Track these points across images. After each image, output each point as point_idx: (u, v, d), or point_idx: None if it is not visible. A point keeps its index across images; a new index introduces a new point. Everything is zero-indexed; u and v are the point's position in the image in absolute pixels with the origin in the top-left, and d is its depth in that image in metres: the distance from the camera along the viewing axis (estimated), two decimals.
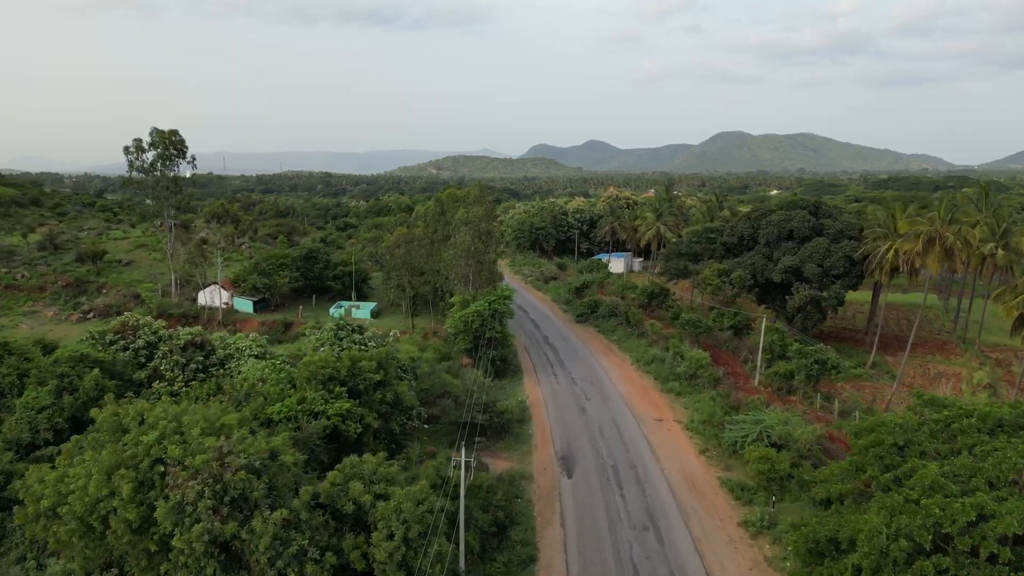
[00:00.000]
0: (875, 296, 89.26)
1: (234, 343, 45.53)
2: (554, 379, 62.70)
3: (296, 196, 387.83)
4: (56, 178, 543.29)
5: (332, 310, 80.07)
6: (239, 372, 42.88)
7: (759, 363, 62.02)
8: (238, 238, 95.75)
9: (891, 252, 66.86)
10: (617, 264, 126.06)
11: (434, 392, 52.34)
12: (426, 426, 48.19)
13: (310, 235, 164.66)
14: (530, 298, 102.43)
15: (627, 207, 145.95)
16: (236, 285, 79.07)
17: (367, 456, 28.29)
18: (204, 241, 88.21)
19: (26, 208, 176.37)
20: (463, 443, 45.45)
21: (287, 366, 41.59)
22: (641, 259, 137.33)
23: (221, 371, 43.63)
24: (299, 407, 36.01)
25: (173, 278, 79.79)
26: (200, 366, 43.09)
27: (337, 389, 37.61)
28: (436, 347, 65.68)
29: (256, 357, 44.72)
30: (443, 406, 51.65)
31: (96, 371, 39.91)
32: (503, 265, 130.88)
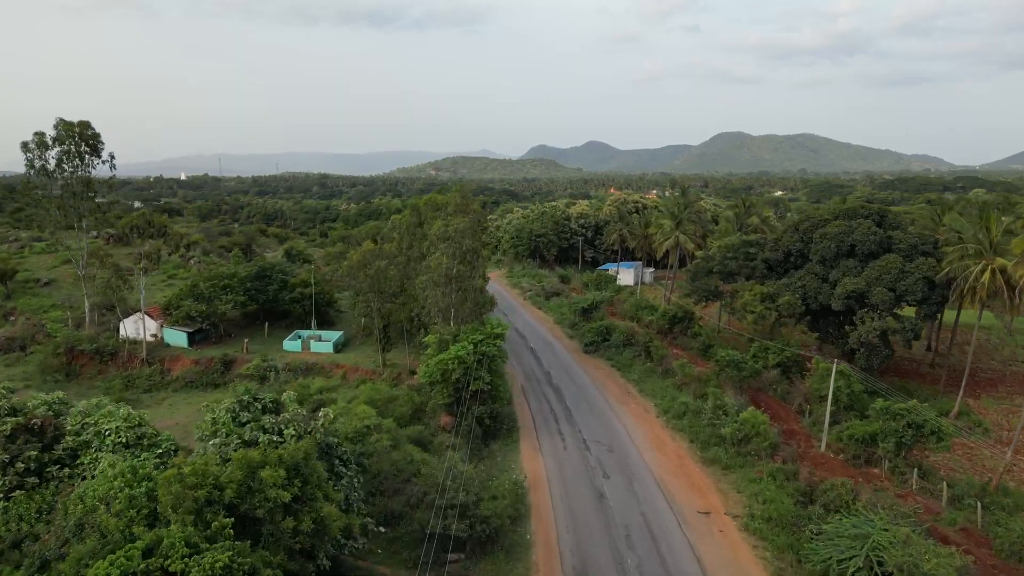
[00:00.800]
0: (936, 319, 75.24)
1: (95, 423, 31.15)
2: (560, 441, 48.42)
3: (289, 198, 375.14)
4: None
5: (287, 342, 65.53)
6: (94, 474, 28.57)
7: (826, 421, 47.77)
8: (171, 253, 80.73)
9: (987, 274, 52.69)
10: (627, 275, 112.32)
11: (397, 478, 38.16)
12: (382, 530, 33.78)
13: (291, 242, 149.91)
14: (529, 319, 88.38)
15: (636, 212, 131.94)
16: (168, 312, 64.35)
17: None
18: (146, 257, 73.73)
19: None
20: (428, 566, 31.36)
21: (159, 469, 27.25)
22: (652, 269, 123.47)
23: (66, 471, 29.27)
24: (144, 564, 21.73)
25: (87, 305, 64.99)
26: (34, 464, 28.77)
27: (218, 521, 23.33)
28: (409, 397, 51.38)
29: (125, 446, 30.34)
30: (409, 495, 37.42)
31: None
32: (499, 276, 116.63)
